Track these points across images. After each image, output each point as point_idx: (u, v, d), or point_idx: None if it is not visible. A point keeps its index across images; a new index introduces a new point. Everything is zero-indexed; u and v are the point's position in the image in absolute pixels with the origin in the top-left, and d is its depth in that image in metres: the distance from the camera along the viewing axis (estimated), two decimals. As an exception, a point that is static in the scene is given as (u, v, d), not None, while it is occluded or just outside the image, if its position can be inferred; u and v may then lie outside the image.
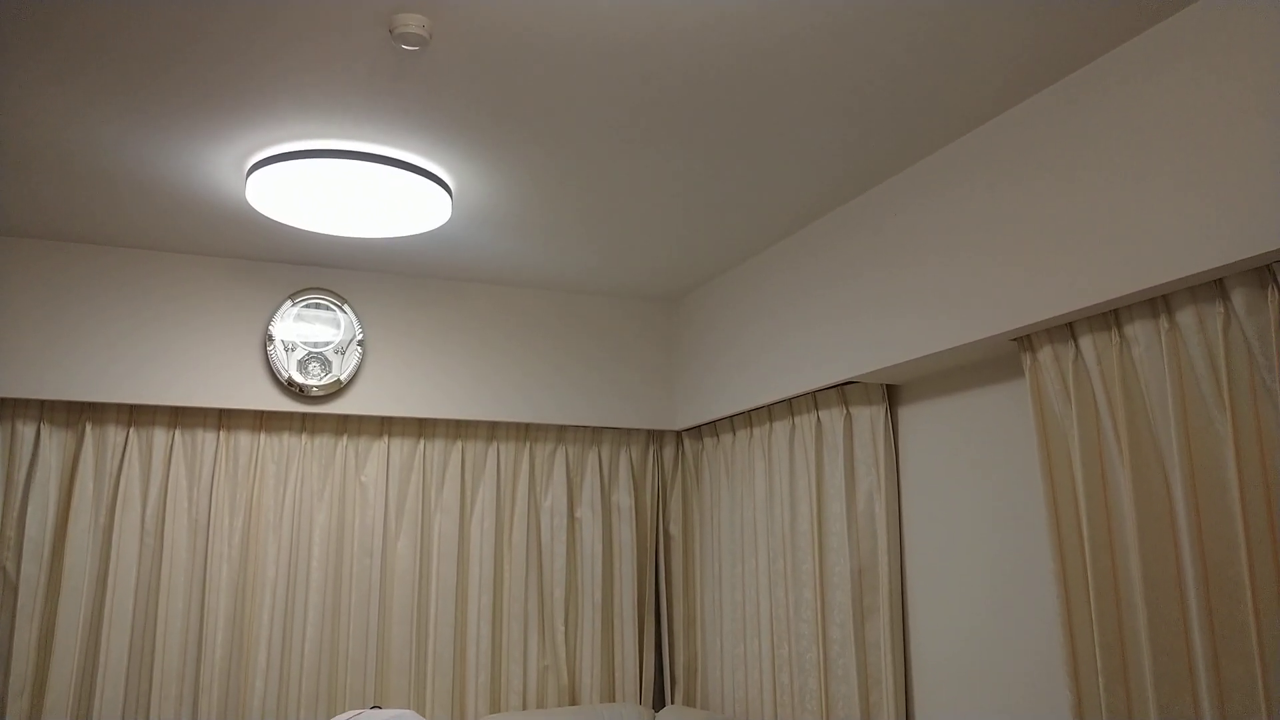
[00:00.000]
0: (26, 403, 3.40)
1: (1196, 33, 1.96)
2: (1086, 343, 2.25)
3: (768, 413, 3.63)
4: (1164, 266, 1.98)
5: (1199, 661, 1.94)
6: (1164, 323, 2.06)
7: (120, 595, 3.41)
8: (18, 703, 3.22)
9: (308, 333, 3.65)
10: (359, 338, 3.73)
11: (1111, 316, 2.20)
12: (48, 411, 3.43)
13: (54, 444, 3.42)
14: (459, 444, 3.95)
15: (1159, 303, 2.08)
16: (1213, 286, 1.98)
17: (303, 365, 3.62)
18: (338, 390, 3.67)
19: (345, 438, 3.79)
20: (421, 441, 3.90)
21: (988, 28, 2.06)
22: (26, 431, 3.39)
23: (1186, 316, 2.02)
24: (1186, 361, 2.03)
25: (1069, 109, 2.26)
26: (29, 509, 3.35)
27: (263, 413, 3.69)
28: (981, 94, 2.36)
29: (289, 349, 3.61)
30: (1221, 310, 1.95)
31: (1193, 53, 1.96)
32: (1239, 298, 1.91)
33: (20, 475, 3.35)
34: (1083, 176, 2.20)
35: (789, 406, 3.50)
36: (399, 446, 3.87)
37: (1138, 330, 2.13)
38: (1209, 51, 1.93)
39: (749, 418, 3.77)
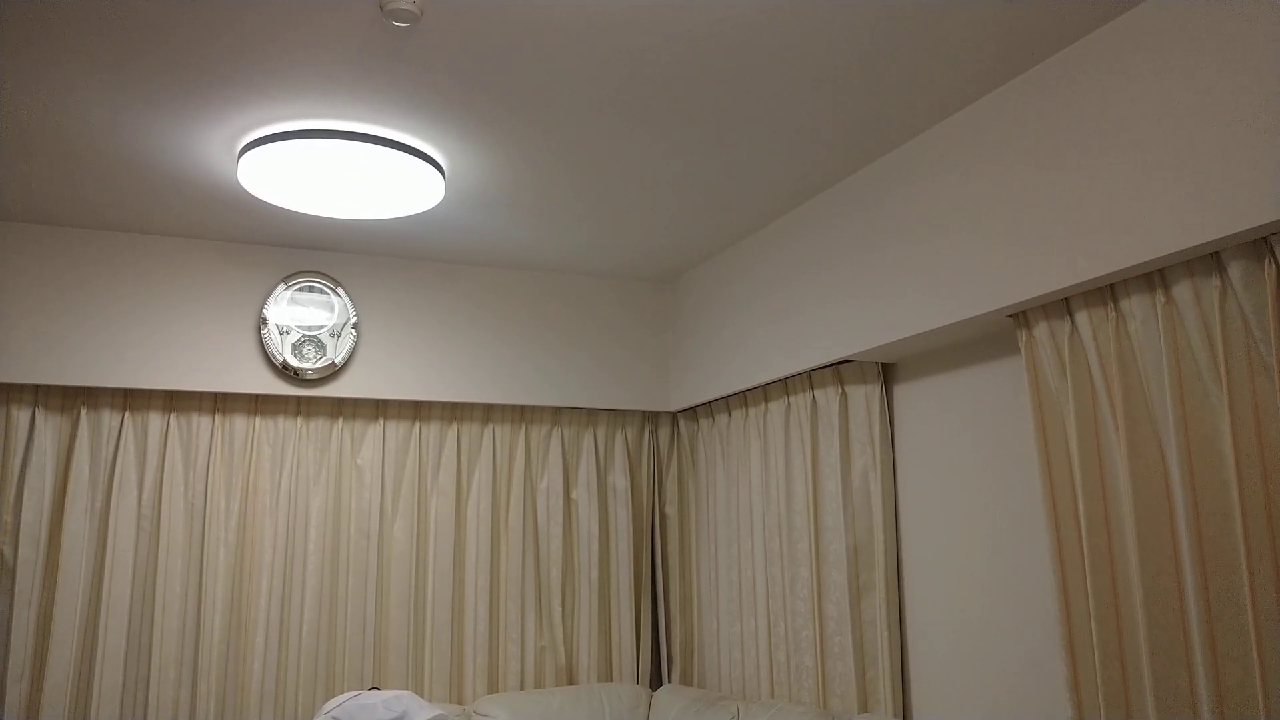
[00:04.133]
0: (21, 387, 3.39)
1: (1191, 6, 1.95)
2: (1082, 318, 2.25)
3: (763, 393, 3.64)
4: (1160, 240, 1.98)
5: (1194, 635, 1.95)
6: (1160, 297, 2.06)
7: (118, 579, 3.40)
8: (17, 687, 3.22)
9: (302, 316, 3.64)
10: (353, 321, 3.71)
11: (1108, 291, 2.20)
12: (42, 396, 3.42)
13: (49, 428, 3.41)
14: (454, 426, 3.95)
15: (1155, 277, 2.08)
16: (1209, 260, 1.98)
17: (297, 348, 3.61)
18: (332, 373, 3.66)
19: (340, 421, 3.79)
20: (417, 424, 3.89)
21: (980, 2, 2.05)
22: (21, 416, 3.38)
23: (1183, 291, 2.02)
24: (1183, 336, 2.03)
25: (1063, 85, 2.25)
26: (25, 493, 3.34)
27: (257, 396, 3.68)
28: (974, 71, 2.35)
29: (283, 332, 3.60)
30: (1218, 284, 1.95)
31: (1188, 27, 1.96)
32: (1236, 271, 1.91)
33: (16, 460, 3.34)
34: (1078, 152, 2.20)
35: (784, 386, 3.50)
36: (394, 429, 3.87)
37: (1134, 305, 2.13)
38: (1205, 25, 1.92)
39: (744, 398, 3.77)
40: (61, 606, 3.32)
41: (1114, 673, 2.11)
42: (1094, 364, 2.22)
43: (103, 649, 3.34)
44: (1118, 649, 2.12)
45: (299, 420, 3.72)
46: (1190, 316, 2.01)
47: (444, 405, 3.95)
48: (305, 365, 3.60)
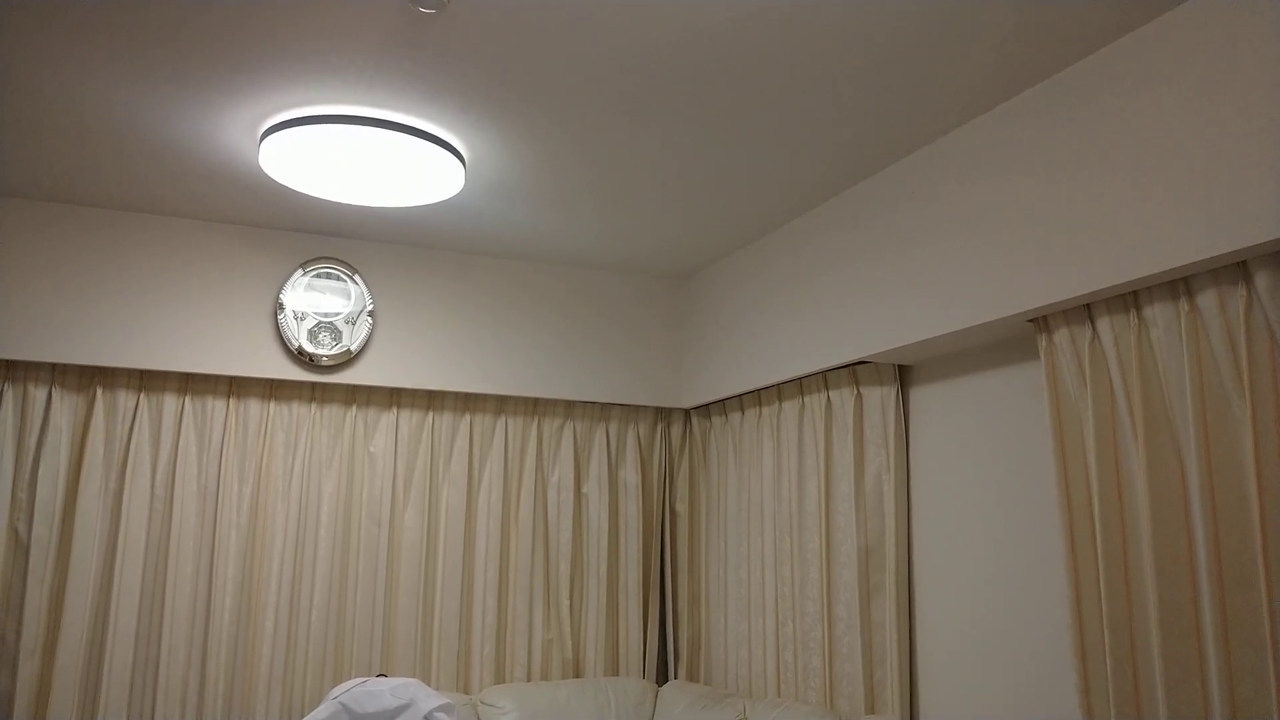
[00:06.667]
0: (38, 365, 3.41)
1: (1218, 15, 1.93)
2: (1104, 324, 2.23)
3: (777, 392, 3.62)
4: (1185, 248, 1.96)
5: (1209, 646, 1.93)
6: (1184, 305, 2.04)
7: (130, 559, 3.42)
8: (29, 663, 3.24)
9: (318, 302, 3.65)
10: (369, 308, 3.72)
11: (1130, 298, 2.18)
12: (59, 375, 3.44)
13: (65, 407, 3.43)
14: (467, 417, 3.96)
15: (1179, 285, 2.06)
16: (1235, 269, 1.96)
17: (313, 334, 3.62)
18: (347, 360, 3.67)
19: (354, 408, 3.80)
20: (430, 413, 3.90)
21: (1006, 5, 2.03)
22: (38, 394, 3.39)
23: (1208, 299, 2.00)
24: (1206, 345, 2.01)
25: (1089, 90, 2.23)
26: (40, 471, 3.36)
27: (272, 381, 3.69)
28: (998, 74, 2.33)
29: (299, 318, 3.61)
30: (1244, 293, 1.93)
31: (1215, 35, 1.93)
32: (1262, 280, 1.89)
33: (32, 438, 3.37)
34: (1102, 157, 2.18)
35: (799, 386, 3.49)
36: (408, 418, 3.87)
37: (1157, 312, 2.11)
38: (1233, 34, 1.90)
39: (758, 397, 3.76)
40: (74, 584, 3.34)
41: (1126, 682, 2.10)
42: (1114, 371, 2.21)
43: (114, 628, 3.36)
44: (1130, 658, 2.11)
45: (313, 406, 3.73)
46: (1215, 325, 1.99)
47: (457, 395, 3.96)
48: (320, 351, 3.61)
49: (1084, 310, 2.30)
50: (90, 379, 3.49)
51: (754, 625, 3.62)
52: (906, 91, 2.45)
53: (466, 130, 2.74)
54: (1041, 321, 2.41)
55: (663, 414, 4.31)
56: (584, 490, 4.12)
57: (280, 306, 3.59)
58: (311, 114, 2.64)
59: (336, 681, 3.62)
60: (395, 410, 3.85)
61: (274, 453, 3.66)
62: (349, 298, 3.70)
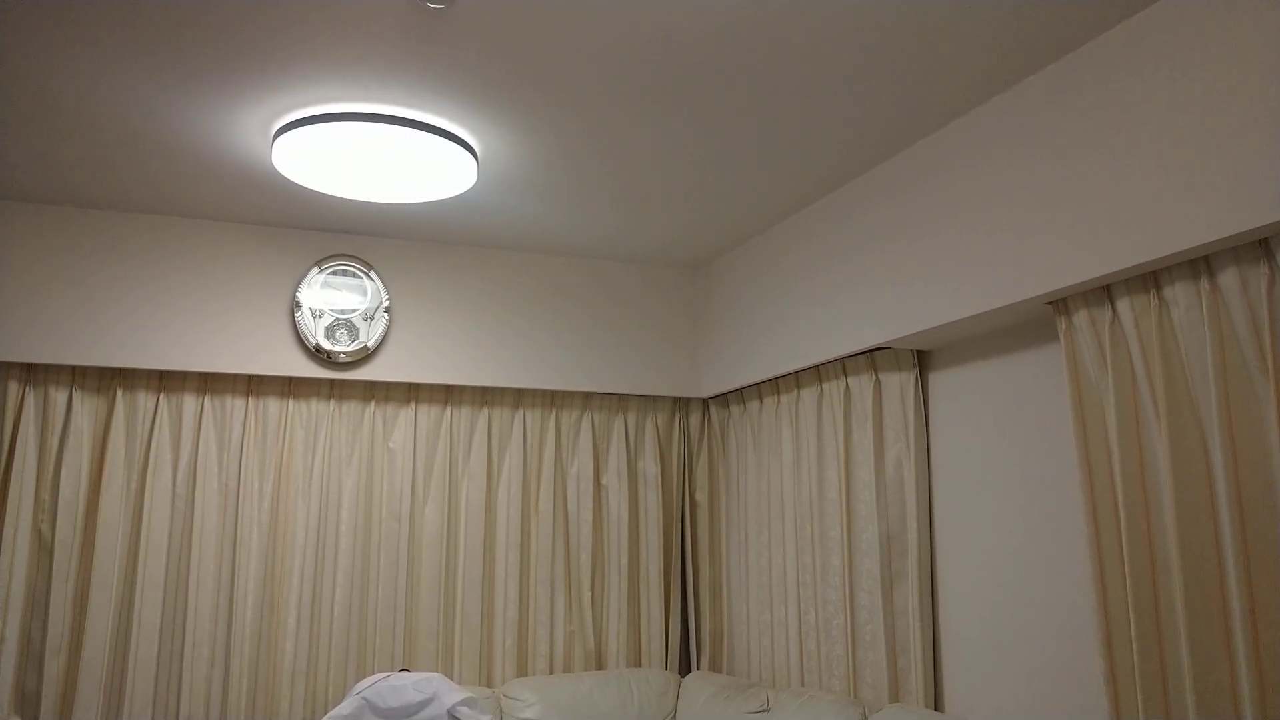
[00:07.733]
0: (58, 368, 3.44)
1: (1245, -17, 1.89)
2: (1124, 305, 2.20)
3: (795, 380, 3.61)
4: (1206, 226, 1.92)
5: (1237, 630, 1.91)
6: (1205, 284, 2.01)
7: (152, 558, 3.45)
8: (55, 660, 3.28)
9: (335, 299, 3.66)
10: (385, 304, 3.73)
11: (1150, 278, 2.15)
12: (79, 377, 3.47)
13: (86, 409, 3.46)
14: (485, 411, 3.96)
15: (1200, 264, 2.03)
16: (1257, 246, 1.92)
17: (330, 332, 3.63)
18: (365, 357, 3.68)
19: (373, 404, 3.81)
20: (448, 408, 3.91)
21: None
22: (59, 397, 3.43)
23: (1229, 278, 1.97)
24: (1228, 324, 1.98)
25: (1106, 68, 2.19)
26: (62, 473, 3.39)
27: (291, 379, 3.71)
28: (1014, 54, 2.30)
29: (316, 315, 3.62)
30: (1266, 271, 1.90)
31: (1231, 9, 1.89)
32: (1285, 258, 1.86)
33: (54, 440, 3.40)
34: (1121, 136, 2.14)
35: (817, 373, 3.47)
36: (426, 413, 3.89)
37: (1178, 292, 2.08)
38: (1248, 7, 1.86)
39: (776, 385, 3.74)
40: (98, 583, 3.38)
41: (1153, 665, 2.07)
42: (1135, 352, 2.18)
43: (138, 625, 3.40)
44: (1157, 642, 2.08)
45: (331, 403, 3.75)
46: (1236, 305, 1.95)
47: (475, 389, 3.96)
48: (338, 348, 3.62)
49: (1103, 291, 2.26)
50: (110, 380, 3.52)
51: (776, 614, 3.61)
52: (919, 75, 2.42)
53: (478, 124, 2.74)
54: (1060, 304, 2.38)
55: (680, 404, 4.30)
56: (603, 481, 4.12)
57: (297, 304, 3.61)
58: (324, 112, 2.64)
59: (359, 676, 3.64)
60: (413, 405, 3.86)
61: (293, 450, 3.69)
62: (365, 294, 3.71)
